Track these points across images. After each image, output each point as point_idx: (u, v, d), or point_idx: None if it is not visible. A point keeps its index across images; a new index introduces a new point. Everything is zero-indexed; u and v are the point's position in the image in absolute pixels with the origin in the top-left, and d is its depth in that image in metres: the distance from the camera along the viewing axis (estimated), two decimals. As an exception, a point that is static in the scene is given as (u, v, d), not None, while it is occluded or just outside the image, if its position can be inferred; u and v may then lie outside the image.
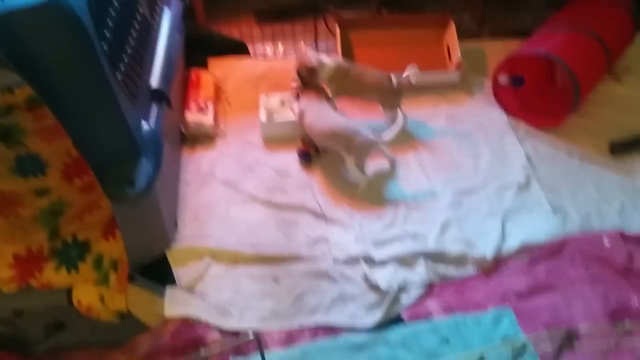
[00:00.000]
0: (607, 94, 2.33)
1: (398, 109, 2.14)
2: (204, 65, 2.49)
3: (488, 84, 2.42)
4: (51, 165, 1.90)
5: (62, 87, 1.23)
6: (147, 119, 1.54)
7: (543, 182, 2.02)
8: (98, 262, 1.66)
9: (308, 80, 2.09)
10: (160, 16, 1.83)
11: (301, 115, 2.05)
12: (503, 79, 2.26)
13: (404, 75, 2.10)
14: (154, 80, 1.64)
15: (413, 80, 2.10)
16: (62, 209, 1.79)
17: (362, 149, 1.92)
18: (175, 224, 1.86)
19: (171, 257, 1.77)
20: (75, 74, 1.23)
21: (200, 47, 2.47)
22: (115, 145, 1.38)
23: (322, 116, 2.00)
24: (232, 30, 2.60)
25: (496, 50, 2.59)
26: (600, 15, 2.26)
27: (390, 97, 2.13)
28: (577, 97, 2.06)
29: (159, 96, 1.65)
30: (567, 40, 2.14)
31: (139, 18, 1.59)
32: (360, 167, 1.94)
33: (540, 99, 2.29)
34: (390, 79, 2.10)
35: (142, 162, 1.43)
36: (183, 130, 2.15)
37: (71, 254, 1.69)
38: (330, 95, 2.11)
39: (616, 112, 2.29)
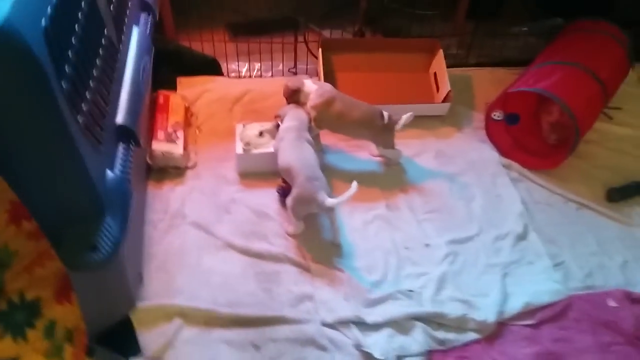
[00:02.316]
0: (600, 132, 2.25)
1: (394, 147, 1.98)
2: (171, 84, 2.25)
3: (477, 117, 2.31)
4: (-5, 204, 1.62)
5: (8, 137, 0.98)
6: (112, 165, 1.30)
7: (541, 232, 1.90)
8: (50, 330, 1.40)
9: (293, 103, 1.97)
10: (127, 36, 1.57)
11: (276, 147, 1.85)
12: (498, 115, 2.12)
13: (402, 120, 1.92)
14: (120, 116, 1.39)
15: (406, 119, 1.92)
16: (8, 259, 1.51)
17: (300, 198, 1.70)
18: (140, 278, 1.61)
19: (136, 318, 1.53)
20: (26, 122, 0.98)
21: (167, 63, 2.22)
22: (75, 204, 1.14)
23: (285, 147, 1.80)
24: (204, 46, 2.36)
25: (482, 79, 2.49)
26: (596, 51, 2.16)
27: (382, 134, 1.95)
28: (577, 139, 1.94)
29: (126, 134, 1.40)
30: (566, 78, 2.02)
31: (104, 42, 1.33)
32: (295, 214, 1.74)
33: (533, 138, 2.17)
34: (381, 115, 1.91)
35: (106, 221, 1.19)
36: (149, 161, 1.90)
37: (18, 317, 1.42)
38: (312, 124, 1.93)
39: (610, 153, 2.21)
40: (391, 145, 1.99)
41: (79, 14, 1.16)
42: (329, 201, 1.66)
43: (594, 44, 2.19)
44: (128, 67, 1.51)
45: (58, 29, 1.02)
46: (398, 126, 1.92)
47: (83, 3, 1.18)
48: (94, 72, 1.22)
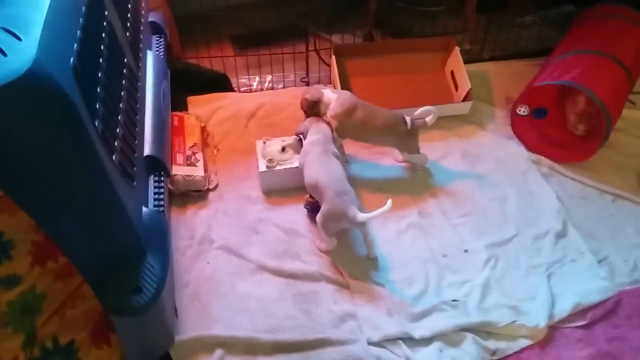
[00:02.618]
0: (625, 120, 2.18)
1: (419, 152, 1.92)
2: (181, 104, 2.18)
3: (498, 113, 2.25)
4: (18, 245, 1.54)
5: (44, 185, 0.92)
6: (146, 200, 1.24)
7: (580, 228, 1.84)
8: (89, 376, 1.33)
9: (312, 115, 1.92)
10: (144, 62, 1.51)
11: (302, 162, 1.79)
12: (524, 110, 2.06)
13: (427, 118, 1.88)
14: (147, 147, 1.33)
15: (430, 121, 1.87)
16: (37, 303, 1.44)
17: (330, 215, 1.64)
18: (175, 311, 1.55)
19: (175, 354, 1.47)
20: (62, 168, 0.92)
21: (176, 83, 2.15)
22: (115, 248, 1.08)
23: (311, 162, 1.73)
24: (213, 61, 2.30)
25: (499, 73, 2.44)
26: (617, 37, 2.10)
27: (406, 140, 1.90)
28: (608, 129, 1.89)
29: (155, 165, 1.34)
30: (592, 67, 1.96)
31: (126, 72, 1.28)
32: (326, 231, 1.67)
33: (560, 130, 2.11)
34: (404, 121, 1.86)
35: (147, 260, 1.13)
36: (170, 186, 1.83)
37: (54, 364, 1.35)
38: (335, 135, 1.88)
39: (638, 140, 2.16)
40: (416, 150, 1.93)
41: (102, 46, 1.09)
42: (361, 216, 1.60)
43: (614, 29, 2.13)
44: (148, 94, 1.45)
45: (86, 65, 0.96)
46: (429, 121, 1.87)
47: (104, 34, 1.12)
48: (122, 106, 1.16)
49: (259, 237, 1.78)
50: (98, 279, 1.06)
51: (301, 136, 1.86)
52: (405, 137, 1.89)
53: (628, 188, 1.98)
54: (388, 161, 2.03)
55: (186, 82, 2.26)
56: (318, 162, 1.72)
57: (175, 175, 1.83)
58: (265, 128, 2.14)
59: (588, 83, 1.87)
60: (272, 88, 2.36)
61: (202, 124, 2.09)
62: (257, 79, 2.36)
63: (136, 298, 1.08)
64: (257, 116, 2.20)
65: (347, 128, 1.89)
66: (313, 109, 1.91)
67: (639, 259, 1.76)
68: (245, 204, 1.88)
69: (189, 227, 1.81)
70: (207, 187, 1.91)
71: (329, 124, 1.86)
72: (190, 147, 1.94)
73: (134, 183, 1.14)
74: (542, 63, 2.28)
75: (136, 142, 1.23)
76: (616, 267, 1.74)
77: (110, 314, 1.12)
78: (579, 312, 1.62)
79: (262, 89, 2.35)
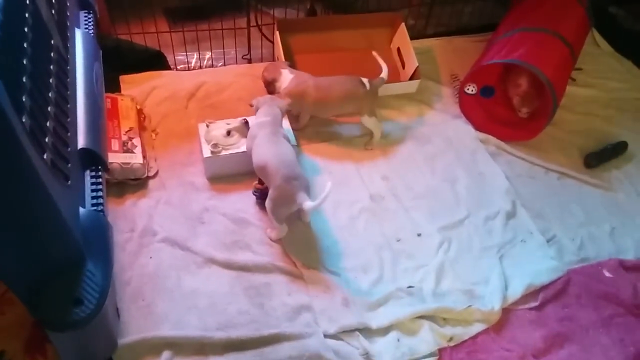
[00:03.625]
0: (567, 97, 2.19)
1: (376, 115, 1.92)
2: (112, 85, 2.01)
3: (445, 91, 2.23)
4: None
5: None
6: (82, 200, 1.11)
7: (528, 207, 1.86)
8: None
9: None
10: (72, 43, 1.35)
11: (250, 145, 1.70)
12: (472, 89, 2.05)
13: (382, 74, 1.89)
14: (81, 138, 1.19)
15: (385, 74, 1.90)
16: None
17: (279, 200, 1.57)
18: (117, 312, 1.43)
19: (119, 359, 1.36)
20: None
21: (106, 62, 1.97)
22: (50, 256, 0.96)
23: (260, 144, 1.64)
24: (147, 38, 2.13)
25: (443, 50, 2.42)
26: (561, 14, 2.11)
27: (366, 101, 1.87)
28: (555, 107, 1.90)
29: (91, 159, 1.21)
30: (538, 46, 1.96)
31: (54, 56, 1.13)
32: (275, 217, 1.60)
33: (506, 109, 2.11)
34: (362, 83, 1.84)
35: (87, 267, 1.02)
36: (106, 176, 1.68)
37: (-20, 381, 1.22)
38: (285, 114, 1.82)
39: (580, 117, 2.22)
40: (375, 113, 1.90)
41: (25, 28, 0.95)
42: (308, 204, 1.51)
43: (556, 6, 2.14)
44: (79, 78, 1.30)
45: (8, 51, 0.83)
46: (385, 74, 1.89)
47: (27, 13, 0.98)
48: (51, 96, 1.02)
49: (206, 227, 1.68)
50: (30, 290, 0.94)
51: (247, 119, 1.76)
52: (365, 98, 1.86)
53: (572, 165, 2.02)
54: (338, 144, 1.96)
55: (118, 61, 2.08)
56: (267, 144, 1.63)
57: (111, 163, 1.69)
58: (207, 109, 2.02)
59: (535, 61, 1.86)
60: (212, 66, 2.23)
61: (138, 106, 1.94)
62: (196, 56, 2.22)
63: (76, 311, 0.97)
64: (198, 96, 2.07)
65: (303, 106, 1.87)
66: (269, 87, 1.88)
67: (585, 238, 1.80)
68: (189, 192, 1.77)
69: (129, 219, 1.68)
70: (146, 174, 1.78)
71: (280, 108, 1.78)
72: (127, 132, 1.80)
73: (69, 182, 1.02)
74: (485, 39, 2.28)
75: (69, 134, 1.10)
76: (564, 246, 1.77)
77: (48, 331, 1.00)
78: (531, 293, 1.63)
79: (200, 67, 2.22)
